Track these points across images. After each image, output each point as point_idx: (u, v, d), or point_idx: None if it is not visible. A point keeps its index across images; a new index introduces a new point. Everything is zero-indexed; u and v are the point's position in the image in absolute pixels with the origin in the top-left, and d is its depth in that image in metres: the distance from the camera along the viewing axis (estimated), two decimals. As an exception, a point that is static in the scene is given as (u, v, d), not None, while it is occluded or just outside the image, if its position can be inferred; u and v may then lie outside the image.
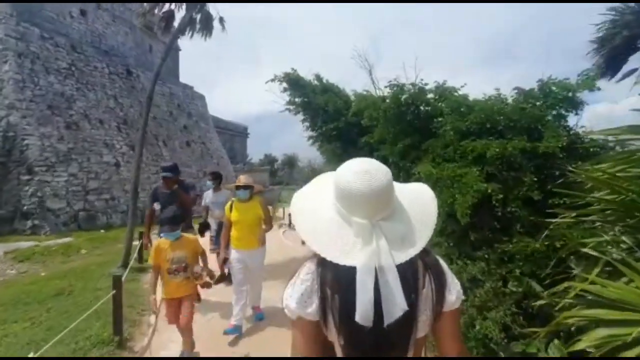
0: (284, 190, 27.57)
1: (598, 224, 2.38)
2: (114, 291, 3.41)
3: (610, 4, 7.60)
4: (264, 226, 3.77)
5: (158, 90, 19.95)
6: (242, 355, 3.37)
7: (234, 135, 33.15)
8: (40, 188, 11.37)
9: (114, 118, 15.78)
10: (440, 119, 4.27)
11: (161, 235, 3.17)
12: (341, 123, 6.17)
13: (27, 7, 14.12)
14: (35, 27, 13.41)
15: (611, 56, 7.69)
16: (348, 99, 6.84)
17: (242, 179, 3.71)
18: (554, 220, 2.65)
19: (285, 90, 7.06)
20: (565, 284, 2.02)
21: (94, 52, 16.12)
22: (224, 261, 3.91)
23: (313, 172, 11.13)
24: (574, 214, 2.23)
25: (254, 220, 3.65)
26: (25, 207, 11.22)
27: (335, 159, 7.18)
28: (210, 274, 3.17)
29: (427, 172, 3.27)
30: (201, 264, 3.17)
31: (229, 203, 3.77)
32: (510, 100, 4.16)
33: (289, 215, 13.49)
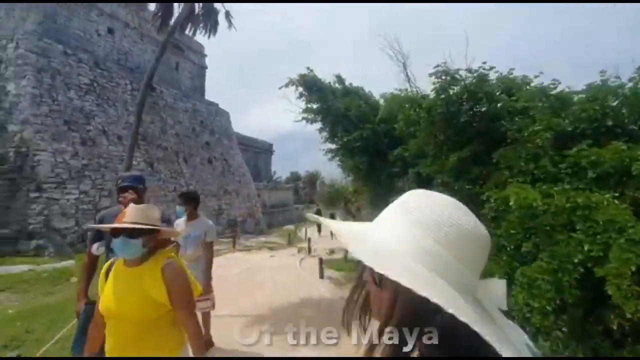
0: (307, 208, 26.38)
1: None
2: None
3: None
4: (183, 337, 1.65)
5: (181, 106, 19.71)
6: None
7: (258, 152, 32.66)
8: (47, 206, 10.80)
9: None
10: (514, 119, 2.84)
11: None
12: (367, 132, 4.82)
13: (54, 26, 14.25)
14: (59, 44, 13.35)
15: None
16: (376, 104, 5.55)
17: (130, 214, 1.57)
18: None
19: (300, 96, 5.90)
20: None
21: (117, 68, 16.02)
22: None
23: (335, 192, 9.80)
24: None
25: (144, 313, 1.52)
26: (30, 227, 10.64)
27: (358, 178, 5.82)
28: None
29: (520, 198, 1.83)
30: None
31: (106, 265, 1.75)
32: (628, 89, 2.68)
33: (309, 239, 12.11)
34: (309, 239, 11.36)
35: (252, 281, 7.41)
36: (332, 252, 12.27)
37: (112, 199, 13.03)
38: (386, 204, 0.61)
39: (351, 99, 5.27)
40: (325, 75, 6.14)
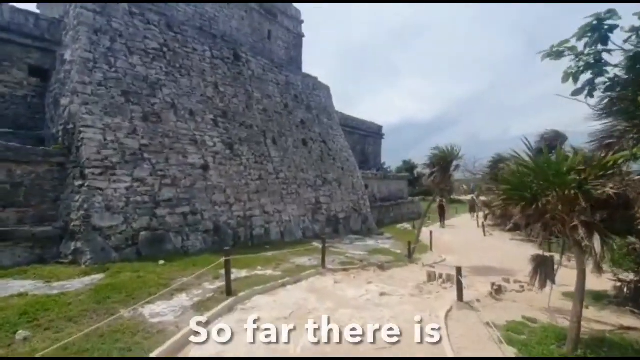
0: (435, 204, 20.28)
1: None
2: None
3: None
4: None
5: (271, 78, 16.35)
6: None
7: (366, 135, 27.87)
8: (88, 198, 8.27)
9: (210, 109, 12.45)
10: None
11: None
12: None
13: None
14: (123, 3, 11.05)
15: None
16: None
17: None
18: None
19: None
20: None
21: (194, 32, 13.33)
22: None
23: (542, 166, 3.86)
24: None
25: None
26: (72, 224, 8.29)
27: None
28: None
29: None
30: None
31: None
32: None
33: (459, 270, 6.21)
34: (459, 270, 5.91)
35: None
36: (499, 289, 6.70)
37: (177, 188, 10.15)
38: None
39: None
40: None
